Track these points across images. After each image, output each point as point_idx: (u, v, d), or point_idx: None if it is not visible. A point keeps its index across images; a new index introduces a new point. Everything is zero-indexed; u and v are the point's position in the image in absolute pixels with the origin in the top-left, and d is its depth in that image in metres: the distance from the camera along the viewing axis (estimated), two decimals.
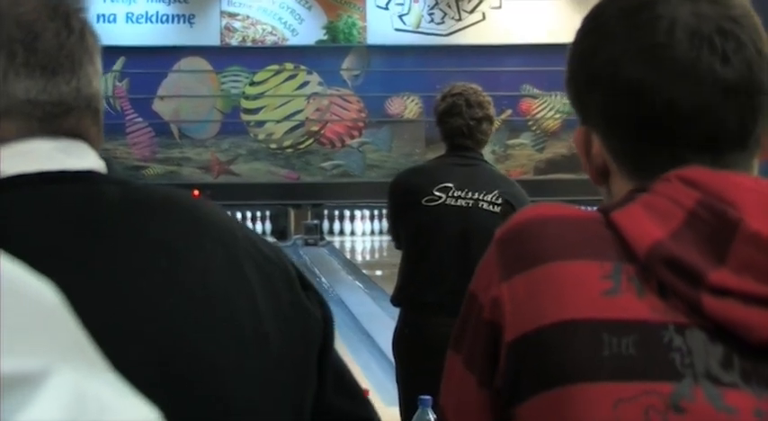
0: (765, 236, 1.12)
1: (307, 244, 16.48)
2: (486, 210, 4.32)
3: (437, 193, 4.36)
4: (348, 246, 17.18)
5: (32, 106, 1.13)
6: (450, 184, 4.37)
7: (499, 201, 4.34)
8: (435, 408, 3.53)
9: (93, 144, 1.20)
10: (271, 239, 16.95)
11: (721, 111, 1.23)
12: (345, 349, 8.77)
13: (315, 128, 16.80)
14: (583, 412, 1.12)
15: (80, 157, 1.16)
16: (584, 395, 1.13)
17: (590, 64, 1.29)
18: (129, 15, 16.71)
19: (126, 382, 0.62)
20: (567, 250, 1.19)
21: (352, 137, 16.84)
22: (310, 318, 1.20)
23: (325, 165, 16.81)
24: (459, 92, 4.58)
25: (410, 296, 4.44)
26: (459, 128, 4.45)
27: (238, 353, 1.10)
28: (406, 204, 4.47)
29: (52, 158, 1.13)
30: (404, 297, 4.47)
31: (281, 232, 16.74)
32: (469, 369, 1.23)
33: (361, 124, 16.89)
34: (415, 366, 4.19)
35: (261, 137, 16.75)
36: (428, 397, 3.54)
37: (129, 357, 1.01)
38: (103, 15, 16.61)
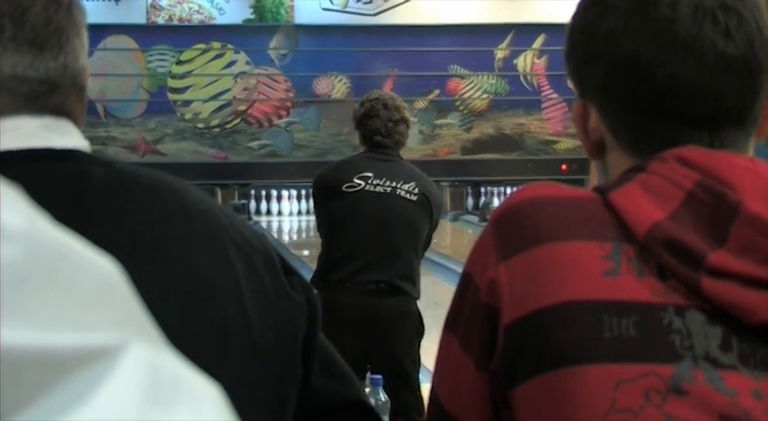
0: (765, 218, 1.13)
1: None
2: (403, 197, 4.64)
3: (357, 181, 4.69)
4: (275, 225, 17.14)
5: (19, 82, 1.11)
6: (370, 174, 4.71)
7: (416, 191, 4.69)
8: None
9: (77, 122, 1.19)
10: None
11: (722, 87, 1.23)
12: None
13: (242, 107, 16.71)
14: (583, 394, 1.12)
15: (65, 136, 1.15)
16: (585, 377, 1.12)
17: (591, 37, 1.29)
18: None
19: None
20: (565, 230, 1.18)
21: (280, 116, 16.77)
22: (294, 305, 1.19)
23: (252, 144, 16.73)
24: (376, 97, 4.95)
25: (325, 274, 4.69)
26: (377, 129, 4.81)
27: (220, 339, 1.09)
28: (327, 193, 4.77)
29: (38, 136, 1.12)
30: (320, 277, 4.70)
31: None
32: (466, 350, 1.22)
33: (288, 104, 16.82)
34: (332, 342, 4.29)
35: (188, 116, 16.63)
36: (379, 376, 3.54)
37: None
38: None
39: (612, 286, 1.15)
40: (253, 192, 17.29)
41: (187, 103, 16.62)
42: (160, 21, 16.68)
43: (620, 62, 1.25)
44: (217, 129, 16.69)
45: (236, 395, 1.09)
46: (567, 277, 1.16)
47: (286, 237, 16.27)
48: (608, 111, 1.29)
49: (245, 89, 16.73)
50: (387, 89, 16.85)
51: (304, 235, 16.78)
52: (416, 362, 4.63)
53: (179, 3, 16.69)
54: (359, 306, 4.50)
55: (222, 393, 0.60)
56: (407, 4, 16.98)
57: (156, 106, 16.56)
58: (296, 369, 1.18)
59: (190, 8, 16.70)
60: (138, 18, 16.60)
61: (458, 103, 16.83)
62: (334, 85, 16.91)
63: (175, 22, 16.69)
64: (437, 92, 16.73)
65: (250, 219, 16.81)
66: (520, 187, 1.27)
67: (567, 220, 1.19)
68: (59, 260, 0.57)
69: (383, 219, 4.62)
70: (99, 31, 16.37)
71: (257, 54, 16.75)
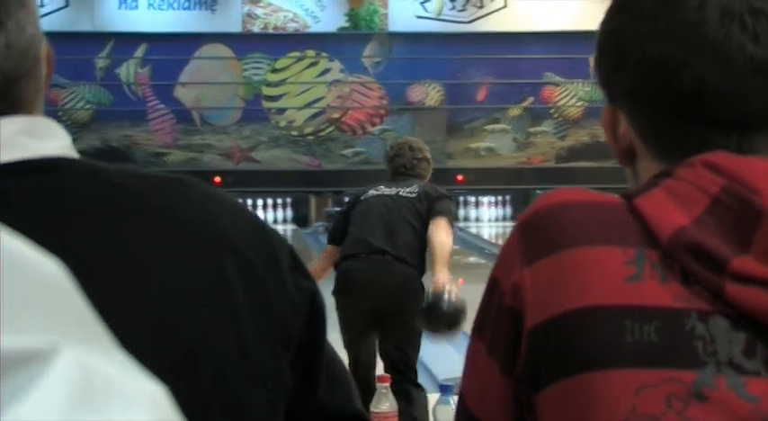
0: None
1: (327, 231, 16.48)
2: (404, 196, 5.90)
3: (371, 192, 6.00)
4: None
5: None
6: (382, 186, 6.02)
7: (416, 190, 5.89)
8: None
9: (36, 105, 1.06)
10: (291, 226, 17.09)
11: (750, 91, 1.21)
12: None
13: (336, 115, 16.80)
14: (604, 399, 1.11)
15: (46, 138, 1.03)
16: (606, 382, 1.11)
17: (618, 41, 1.27)
18: (151, 2, 16.72)
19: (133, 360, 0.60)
20: (589, 236, 1.17)
21: (374, 124, 16.83)
22: (293, 308, 1.13)
23: (346, 152, 16.81)
24: (404, 141, 6.37)
25: (344, 253, 5.88)
26: (403, 164, 6.09)
27: (209, 370, 1.04)
28: (350, 205, 6.09)
29: (13, 145, 1.00)
30: (341, 258, 5.92)
31: (301, 219, 16.75)
32: (492, 355, 1.21)
33: (382, 111, 16.88)
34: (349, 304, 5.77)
35: (282, 124, 16.76)
36: (451, 383, 3.56)
37: None
38: (125, 1, 16.64)
39: (635, 291, 1.13)
40: (346, 199, 17.36)
41: (281, 110, 16.76)
42: (255, 29, 16.84)
43: (647, 66, 1.23)
44: (311, 137, 16.80)
45: (235, 411, 1.05)
46: (589, 282, 1.15)
47: None
48: (636, 116, 1.27)
49: (339, 97, 16.81)
50: (480, 97, 16.83)
51: None
52: (413, 325, 5.66)
53: (274, 11, 16.83)
54: (370, 271, 5.72)
55: (168, 395, 0.59)
56: (502, 11, 16.95)
57: (251, 114, 16.71)
58: (285, 379, 1.12)
59: (285, 16, 16.83)
60: (234, 27, 16.78)
61: (552, 111, 16.75)
62: (428, 93, 16.93)
63: (270, 31, 16.85)
64: (531, 99, 16.67)
65: None
66: (547, 192, 1.26)
67: (592, 225, 1.18)
68: None
69: (387, 210, 5.84)
70: (195, 40, 16.58)
71: (351, 62, 16.83)
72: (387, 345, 5.70)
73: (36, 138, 1.02)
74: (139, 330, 0.98)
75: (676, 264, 1.14)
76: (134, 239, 1.04)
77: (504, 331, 1.20)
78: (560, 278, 1.16)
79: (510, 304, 1.19)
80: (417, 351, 5.83)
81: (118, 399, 0.55)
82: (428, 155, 6.19)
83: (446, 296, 5.29)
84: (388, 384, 3.86)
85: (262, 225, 1.16)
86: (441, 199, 5.92)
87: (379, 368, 5.71)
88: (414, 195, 5.85)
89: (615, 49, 1.28)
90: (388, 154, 6.31)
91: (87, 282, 0.97)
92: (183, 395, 0.99)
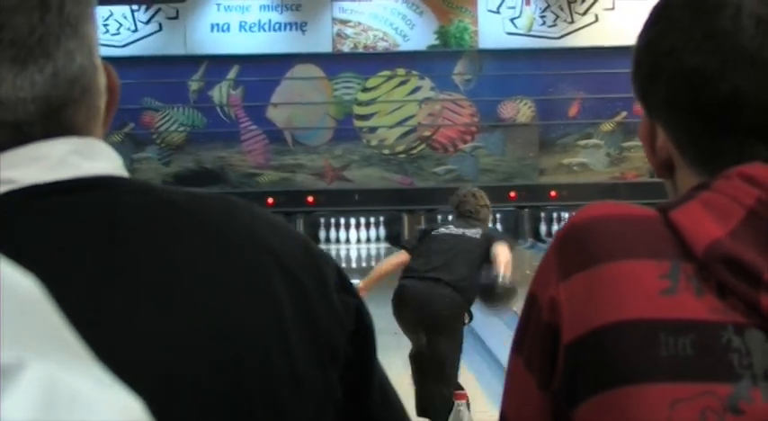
0: None
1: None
2: (469, 236, 7.11)
3: (442, 230, 7.27)
4: None
5: (4, 108, 1.00)
6: (452, 226, 7.31)
7: (479, 232, 7.15)
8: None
9: (94, 132, 1.08)
10: (385, 245, 17.14)
11: None
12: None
13: (427, 133, 16.82)
14: (639, 413, 1.11)
15: (95, 158, 1.05)
16: (641, 396, 1.11)
17: (654, 53, 1.27)
18: (243, 24, 16.91)
19: (111, 374, 0.61)
20: (624, 249, 1.17)
21: (465, 141, 16.83)
22: (341, 327, 1.13)
23: (437, 170, 16.82)
24: (468, 190, 7.68)
25: (406, 269, 7.18)
26: (468, 210, 7.34)
27: (261, 384, 1.04)
28: (423, 236, 7.40)
29: (65, 164, 1.02)
30: (403, 272, 7.22)
31: (395, 237, 16.75)
32: (530, 370, 1.22)
33: (473, 128, 16.87)
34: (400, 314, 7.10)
35: (373, 142, 16.82)
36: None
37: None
38: (217, 25, 16.84)
39: (670, 304, 1.13)
40: (439, 217, 17.33)
41: (373, 129, 16.82)
42: (346, 49, 16.95)
43: (683, 77, 1.23)
44: (402, 155, 16.84)
45: None
46: (624, 296, 1.15)
47: None
48: (673, 128, 1.26)
49: (430, 115, 16.84)
50: (572, 112, 16.75)
51: None
52: (454, 334, 6.94)
53: (364, 31, 16.92)
54: (422, 288, 6.90)
55: (144, 409, 0.59)
56: (593, 25, 16.86)
57: (343, 133, 16.80)
58: (334, 392, 1.11)
59: (374, 35, 16.91)
60: (325, 47, 16.89)
61: None
62: (520, 109, 16.89)
63: (360, 50, 16.93)
64: (624, 114, 16.54)
65: None
66: (585, 206, 1.26)
67: (626, 239, 1.18)
68: None
69: (450, 247, 7.03)
70: (287, 61, 16.73)
71: (442, 79, 16.85)
72: (426, 349, 6.88)
73: (86, 157, 1.04)
74: (186, 342, 1.00)
75: (712, 276, 1.13)
76: (182, 254, 1.05)
77: (541, 346, 1.20)
78: (595, 292, 1.16)
79: (547, 319, 1.19)
80: (451, 361, 6.93)
81: (85, 412, 0.56)
82: (488, 202, 7.50)
83: (500, 279, 6.76)
84: (465, 401, 4.51)
85: (308, 243, 1.17)
86: (500, 236, 7.44)
87: (467, 386, 6.80)
88: (477, 237, 7.08)
89: (651, 61, 1.27)
90: (453, 201, 7.56)
91: (137, 296, 1.00)
92: (230, 405, 1.01)
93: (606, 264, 1.17)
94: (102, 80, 1.09)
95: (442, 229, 7.24)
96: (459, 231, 7.13)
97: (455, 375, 6.96)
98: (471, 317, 7.15)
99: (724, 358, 1.11)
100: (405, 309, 6.98)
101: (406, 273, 7.17)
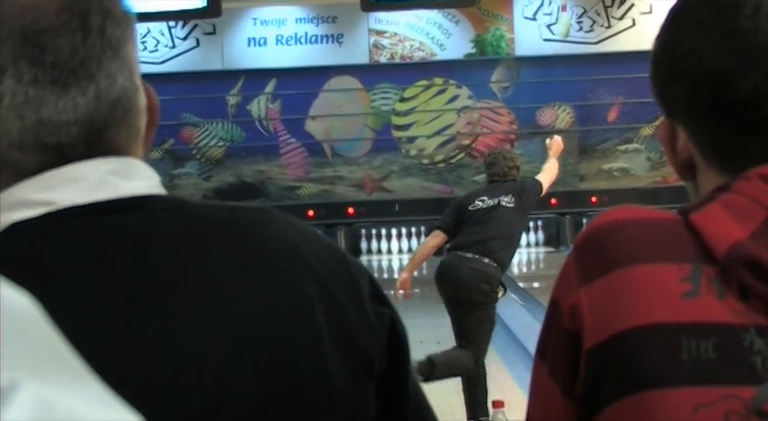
0: None
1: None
2: (504, 205, 7.16)
3: (477, 202, 7.20)
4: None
5: (47, 131, 1.01)
6: (485, 197, 7.24)
7: (513, 198, 7.17)
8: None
9: (134, 152, 1.09)
10: None
11: None
12: (501, 362, 8.77)
13: (466, 141, 16.80)
14: (662, 418, 1.10)
15: (133, 178, 1.06)
16: (664, 400, 1.11)
17: (673, 54, 1.26)
18: (279, 38, 16.96)
19: (112, 393, 0.61)
20: (644, 253, 1.17)
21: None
22: (375, 338, 1.13)
23: (477, 178, 16.76)
24: (498, 151, 7.85)
25: (447, 249, 7.31)
26: (497, 172, 7.35)
27: (298, 394, 1.04)
28: (459, 210, 7.30)
29: (104, 185, 1.03)
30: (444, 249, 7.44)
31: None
32: (554, 378, 1.22)
33: (512, 136, 16.83)
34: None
35: (412, 152, 16.82)
36: None
37: (166, 412, 0.95)
38: (254, 39, 16.90)
39: (691, 308, 1.12)
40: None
41: (411, 139, 16.82)
42: (382, 59, 16.96)
43: (703, 77, 1.22)
44: (442, 165, 16.83)
45: None
46: (645, 300, 1.14)
47: (515, 270, 16.20)
48: (694, 128, 1.26)
49: (469, 123, 16.82)
50: (612, 117, 16.68)
51: (534, 267, 16.70)
52: (480, 307, 7.05)
53: (400, 41, 16.92)
54: (455, 265, 7.05)
55: None
56: (630, 30, 16.79)
57: (382, 144, 16.81)
58: (367, 398, 1.11)
59: (411, 46, 16.91)
60: (361, 58, 16.91)
61: None
62: (558, 115, 16.84)
63: (397, 60, 16.94)
64: (662, 119, 16.44)
65: None
66: (604, 210, 1.25)
67: (646, 243, 1.18)
68: None
69: (487, 222, 7.09)
70: (324, 73, 16.77)
71: (479, 88, 16.84)
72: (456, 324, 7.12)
73: (124, 177, 1.05)
74: (220, 358, 1.00)
75: (733, 279, 1.12)
76: (218, 268, 1.06)
77: (563, 353, 1.20)
78: (616, 297, 1.16)
79: (568, 326, 1.19)
80: (474, 332, 7.03)
81: None
82: (518, 163, 7.52)
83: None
84: (503, 409, 4.57)
85: (342, 254, 1.17)
86: (532, 179, 7.48)
87: (494, 393, 6.78)
88: (512, 204, 7.18)
89: (670, 62, 1.27)
90: (484, 159, 7.86)
91: (174, 315, 1.01)
92: (266, 413, 1.00)
93: (626, 268, 1.16)
94: (142, 100, 1.10)
95: (478, 202, 7.20)
96: (494, 201, 7.17)
97: (479, 348, 7.05)
98: (505, 290, 7.26)
99: (746, 361, 1.10)
100: (439, 287, 7.16)
101: (447, 250, 7.34)
